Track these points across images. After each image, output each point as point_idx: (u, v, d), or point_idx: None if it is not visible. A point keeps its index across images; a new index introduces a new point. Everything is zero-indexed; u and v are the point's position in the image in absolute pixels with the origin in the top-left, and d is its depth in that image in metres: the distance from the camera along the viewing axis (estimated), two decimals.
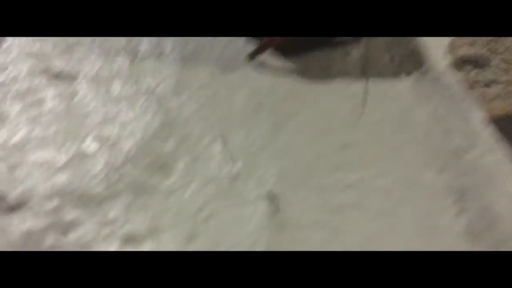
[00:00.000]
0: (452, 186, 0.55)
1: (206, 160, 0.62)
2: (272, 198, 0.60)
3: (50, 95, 0.74)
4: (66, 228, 0.59)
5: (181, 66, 0.74)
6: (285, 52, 0.73)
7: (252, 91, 0.68)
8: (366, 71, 0.67)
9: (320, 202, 0.57)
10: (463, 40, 1.00)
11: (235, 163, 0.62)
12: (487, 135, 0.59)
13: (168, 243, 0.56)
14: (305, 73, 0.71)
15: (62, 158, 0.65)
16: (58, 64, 0.78)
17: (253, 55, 0.73)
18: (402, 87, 0.66)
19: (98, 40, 0.81)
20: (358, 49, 0.71)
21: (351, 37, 0.73)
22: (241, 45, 0.76)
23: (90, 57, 0.78)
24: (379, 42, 0.73)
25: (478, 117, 0.61)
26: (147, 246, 0.56)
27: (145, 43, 0.80)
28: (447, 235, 0.53)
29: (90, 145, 0.66)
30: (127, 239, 0.57)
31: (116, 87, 0.73)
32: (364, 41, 0.71)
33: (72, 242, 0.56)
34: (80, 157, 0.65)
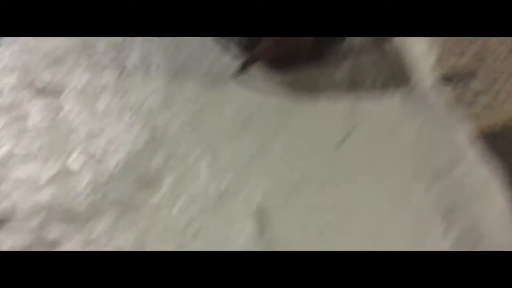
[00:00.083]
0: (440, 204, 0.55)
1: (193, 177, 0.62)
2: (260, 215, 0.59)
3: (35, 110, 0.72)
4: (51, 245, 0.58)
5: (168, 81, 0.74)
6: (273, 67, 0.73)
7: (240, 107, 0.68)
8: (353, 87, 0.68)
9: (308, 220, 0.57)
10: (452, 51, 1.02)
11: (222, 179, 0.62)
12: (474, 152, 0.60)
13: None
14: (293, 88, 0.71)
15: (46, 174, 0.64)
16: (44, 78, 0.77)
17: (240, 70, 0.73)
18: (389, 105, 0.66)
19: (85, 53, 0.81)
20: (346, 65, 0.72)
21: (339, 52, 0.74)
22: (229, 60, 0.76)
23: (76, 71, 0.77)
24: (367, 58, 0.73)
25: (464, 134, 0.62)
26: None
27: (133, 56, 0.79)
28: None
29: (75, 161, 0.65)
30: None
31: (103, 102, 0.72)
32: (352, 57, 0.71)
33: None
34: (65, 173, 0.64)
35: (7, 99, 0.72)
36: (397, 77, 0.71)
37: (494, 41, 1.04)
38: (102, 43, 0.81)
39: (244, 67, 0.73)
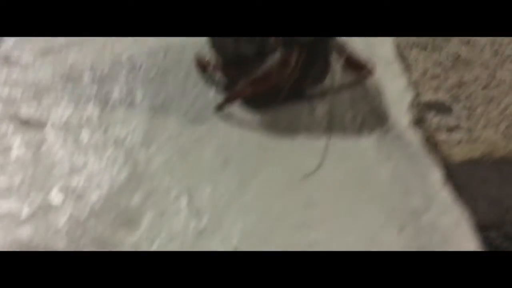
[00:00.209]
0: (411, 247, 0.57)
1: (172, 215, 0.63)
2: None
3: (17, 143, 0.73)
4: None
5: (151, 116, 0.75)
6: (253, 104, 0.74)
7: (220, 145, 0.69)
8: (330, 127, 0.69)
9: None
10: (427, 86, 1.05)
11: (201, 218, 0.62)
12: (445, 195, 0.62)
13: None
14: (272, 126, 0.72)
15: (26, 210, 0.65)
16: (27, 110, 0.78)
17: (221, 106, 0.75)
18: (364, 145, 0.67)
19: (70, 85, 0.82)
20: (324, 103, 0.74)
21: (320, 90, 0.76)
22: (212, 96, 0.77)
23: (60, 104, 0.78)
24: (345, 96, 0.75)
25: (436, 176, 0.64)
26: None
27: (117, 90, 0.80)
28: None
29: (55, 197, 0.66)
30: None
31: (85, 136, 0.73)
32: (330, 95, 0.73)
33: None
34: (45, 209, 0.64)
35: None
36: (376, 114, 0.73)
37: (468, 77, 1.07)
38: (87, 75, 0.83)
39: (224, 104, 0.75)
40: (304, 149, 0.69)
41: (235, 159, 0.67)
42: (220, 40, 0.79)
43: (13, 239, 0.61)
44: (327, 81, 0.76)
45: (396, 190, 0.62)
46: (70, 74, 0.83)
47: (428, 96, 1.01)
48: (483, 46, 1.18)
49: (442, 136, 0.89)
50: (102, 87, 0.81)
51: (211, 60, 0.81)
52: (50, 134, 0.74)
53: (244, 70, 0.75)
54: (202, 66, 0.81)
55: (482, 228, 0.73)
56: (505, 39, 1.20)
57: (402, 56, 1.14)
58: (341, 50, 0.72)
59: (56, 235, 0.62)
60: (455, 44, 1.19)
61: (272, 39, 0.71)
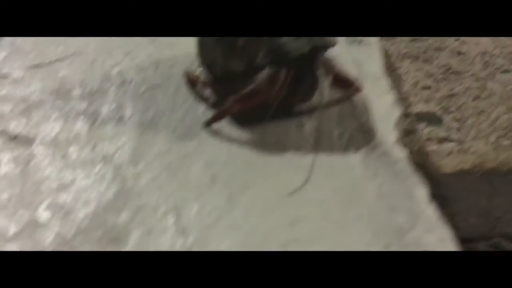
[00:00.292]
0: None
1: (160, 233, 0.63)
2: None
3: (5, 159, 0.73)
4: None
5: (140, 132, 0.75)
6: (241, 121, 0.75)
7: (208, 162, 0.70)
8: (317, 144, 0.70)
9: None
10: (419, 97, 1.06)
11: (188, 236, 0.63)
12: (430, 213, 0.62)
13: None
14: (260, 143, 0.72)
15: (13, 227, 0.65)
16: (15, 126, 0.78)
17: (209, 122, 0.75)
18: (352, 162, 0.68)
19: (58, 102, 0.82)
20: (312, 120, 0.74)
21: (306, 108, 0.76)
22: (201, 112, 0.78)
23: (49, 120, 0.79)
24: (333, 113, 0.76)
25: (422, 194, 0.64)
26: None
27: (106, 105, 0.81)
28: None
29: (43, 214, 0.66)
30: None
31: (74, 153, 0.73)
32: (318, 112, 0.74)
33: None
34: (32, 226, 0.64)
35: None
36: (363, 131, 0.74)
37: (459, 88, 1.08)
38: (76, 90, 0.83)
39: (212, 121, 0.75)
40: (292, 165, 0.69)
41: (223, 176, 0.68)
42: (209, 57, 0.80)
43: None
44: (316, 98, 0.77)
45: (382, 207, 0.62)
46: (60, 89, 0.83)
47: (419, 107, 1.02)
48: (474, 57, 1.20)
49: (432, 147, 0.91)
50: (92, 103, 0.81)
51: (200, 76, 0.81)
52: (39, 150, 0.74)
53: (233, 87, 0.75)
54: (192, 82, 0.82)
55: (471, 240, 0.74)
56: (496, 50, 1.21)
57: (393, 67, 1.16)
58: (329, 67, 0.72)
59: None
60: (446, 55, 1.20)
61: (260, 56, 0.72)
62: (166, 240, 0.62)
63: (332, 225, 0.62)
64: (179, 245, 0.62)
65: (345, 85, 0.79)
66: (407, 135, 0.94)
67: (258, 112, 0.74)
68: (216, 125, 0.76)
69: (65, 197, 0.67)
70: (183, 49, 0.86)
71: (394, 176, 0.66)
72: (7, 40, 0.95)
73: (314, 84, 0.73)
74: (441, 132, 0.96)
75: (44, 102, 0.81)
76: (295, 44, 0.70)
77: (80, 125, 0.77)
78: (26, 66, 0.87)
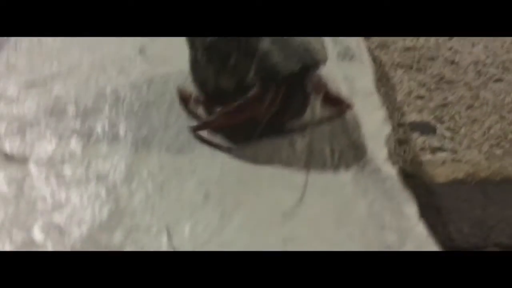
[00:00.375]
0: None
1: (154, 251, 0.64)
2: None
3: (2, 177, 0.74)
4: None
5: (134, 151, 0.76)
6: (233, 138, 0.76)
7: (201, 180, 0.70)
8: (309, 162, 0.70)
9: None
10: (412, 106, 1.07)
11: None
12: (420, 230, 0.63)
13: None
14: (253, 161, 0.73)
15: (8, 247, 0.65)
16: (10, 145, 0.78)
17: (195, 130, 0.77)
18: (342, 180, 0.69)
19: (53, 120, 0.83)
20: (304, 138, 0.75)
21: (298, 125, 0.77)
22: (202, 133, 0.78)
23: (43, 138, 0.79)
24: (324, 130, 0.77)
25: (412, 211, 0.65)
26: None
27: (100, 123, 0.81)
28: None
29: (37, 234, 0.66)
30: None
31: (68, 172, 0.74)
32: (309, 129, 0.75)
33: None
34: (27, 246, 0.65)
35: None
36: (354, 148, 0.74)
37: (452, 97, 1.10)
38: (70, 109, 0.84)
39: (198, 129, 0.76)
40: (284, 183, 0.70)
41: (215, 194, 0.68)
42: (201, 74, 0.81)
43: None
44: (307, 115, 0.77)
45: (372, 225, 0.63)
46: (54, 107, 0.84)
47: (412, 116, 1.03)
48: (467, 66, 1.21)
49: (426, 157, 0.91)
50: (85, 121, 0.82)
51: (193, 94, 0.82)
52: (33, 169, 0.74)
53: (224, 104, 0.76)
54: (184, 99, 0.83)
55: (465, 249, 0.75)
56: (488, 60, 1.23)
57: (386, 77, 1.17)
58: (319, 86, 0.73)
59: None
60: (439, 65, 1.21)
61: (251, 75, 0.73)
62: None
63: (323, 244, 0.62)
64: None
65: (336, 103, 0.79)
66: (400, 145, 0.95)
67: (249, 129, 0.75)
68: (203, 134, 0.77)
69: (59, 217, 0.68)
70: (176, 66, 0.87)
71: (384, 193, 0.67)
72: (1, 57, 0.96)
73: (305, 101, 0.74)
74: (434, 142, 0.97)
75: (38, 121, 0.81)
76: (285, 63, 0.71)
77: (75, 144, 0.77)
78: (20, 84, 0.88)
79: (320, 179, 0.69)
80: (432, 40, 1.27)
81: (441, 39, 1.28)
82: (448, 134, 1.02)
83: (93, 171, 0.74)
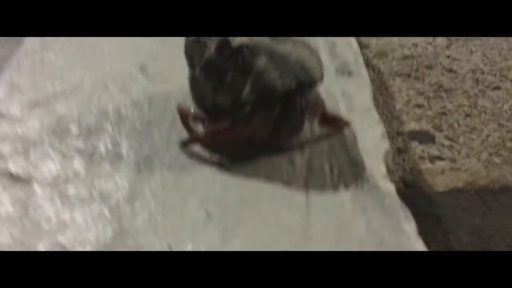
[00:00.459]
0: None
1: None
2: None
3: (4, 200, 0.75)
4: None
5: (136, 170, 0.77)
6: (233, 157, 0.77)
7: (202, 200, 0.71)
8: (308, 180, 0.71)
9: None
10: (411, 115, 1.08)
11: None
12: (419, 247, 0.63)
13: None
14: (253, 179, 0.74)
15: None
16: (14, 166, 0.80)
17: (185, 144, 0.78)
18: (341, 199, 0.69)
19: (56, 140, 0.84)
20: (303, 155, 0.76)
21: (296, 143, 0.78)
22: (196, 147, 0.79)
23: (47, 158, 0.81)
24: (323, 147, 0.78)
25: (410, 229, 0.66)
26: None
27: (103, 143, 0.83)
28: None
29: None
30: None
31: (72, 191, 0.75)
32: (308, 147, 0.75)
33: None
34: None
35: None
36: (352, 165, 0.75)
37: (450, 106, 1.10)
38: (73, 128, 0.85)
39: (188, 143, 0.78)
40: (282, 203, 0.70)
41: (217, 214, 0.69)
42: (200, 91, 0.81)
43: None
44: (305, 132, 0.78)
45: (371, 242, 0.64)
46: (57, 127, 0.85)
47: (411, 125, 1.04)
48: (465, 74, 1.22)
49: (425, 166, 0.92)
50: (88, 140, 0.83)
51: (193, 111, 0.83)
52: (37, 189, 0.75)
53: (222, 122, 0.77)
54: (184, 116, 0.84)
55: None
56: (486, 68, 1.23)
57: (385, 85, 1.18)
58: (316, 106, 0.74)
59: None
60: (437, 73, 1.22)
61: (246, 92, 0.74)
62: None
63: None
64: None
65: (333, 122, 0.80)
66: (399, 154, 0.96)
67: (246, 147, 0.76)
68: (193, 147, 0.78)
69: (62, 239, 0.69)
70: (176, 84, 0.88)
71: (383, 211, 0.67)
72: (4, 77, 0.97)
73: (301, 118, 0.74)
74: (433, 151, 0.98)
75: (42, 140, 0.83)
76: (281, 80, 0.72)
77: (78, 164, 0.79)
78: (23, 104, 0.89)
79: (320, 198, 0.70)
80: (430, 48, 1.28)
81: (439, 47, 1.29)
82: (446, 142, 1.02)
83: (97, 191, 0.75)
